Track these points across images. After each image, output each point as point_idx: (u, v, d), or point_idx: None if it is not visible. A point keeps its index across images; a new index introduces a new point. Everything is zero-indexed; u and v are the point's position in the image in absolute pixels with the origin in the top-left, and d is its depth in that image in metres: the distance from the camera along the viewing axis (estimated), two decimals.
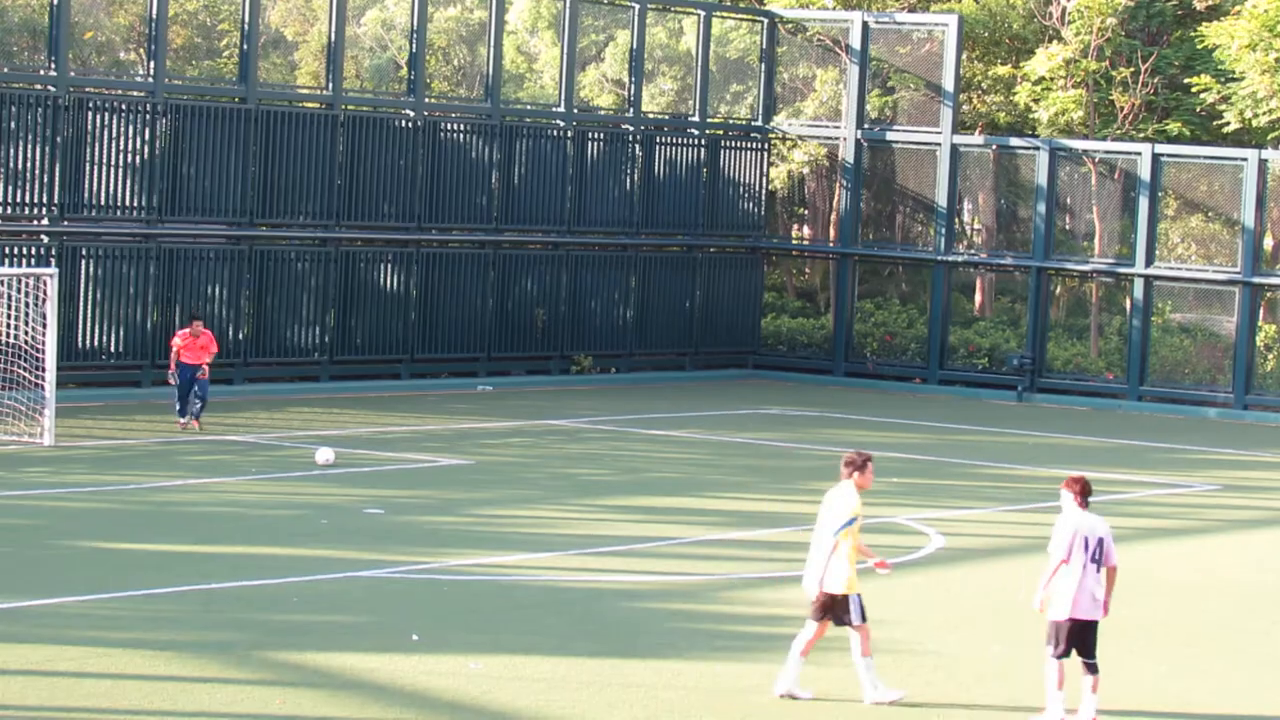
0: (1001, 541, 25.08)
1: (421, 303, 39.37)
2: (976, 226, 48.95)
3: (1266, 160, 41.46)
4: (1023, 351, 43.01)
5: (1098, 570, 15.67)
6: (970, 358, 43.83)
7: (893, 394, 42.93)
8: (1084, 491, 15.94)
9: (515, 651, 17.32)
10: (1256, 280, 41.41)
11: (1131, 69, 44.08)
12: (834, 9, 46.96)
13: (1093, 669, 15.65)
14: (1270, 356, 42.03)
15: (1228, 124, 42.94)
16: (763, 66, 45.76)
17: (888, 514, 26.34)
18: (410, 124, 39.25)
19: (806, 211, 49.88)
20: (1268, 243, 44.17)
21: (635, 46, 43.56)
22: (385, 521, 23.95)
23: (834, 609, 16.15)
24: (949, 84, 43.77)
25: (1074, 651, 15.68)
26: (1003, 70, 46.03)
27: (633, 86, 43.76)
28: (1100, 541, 15.70)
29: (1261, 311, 42.17)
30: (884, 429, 36.60)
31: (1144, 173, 42.06)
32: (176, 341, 31.29)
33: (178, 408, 31.19)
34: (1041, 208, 43.21)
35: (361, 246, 38.66)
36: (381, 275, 38.96)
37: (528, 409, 36.52)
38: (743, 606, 20.07)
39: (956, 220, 46.13)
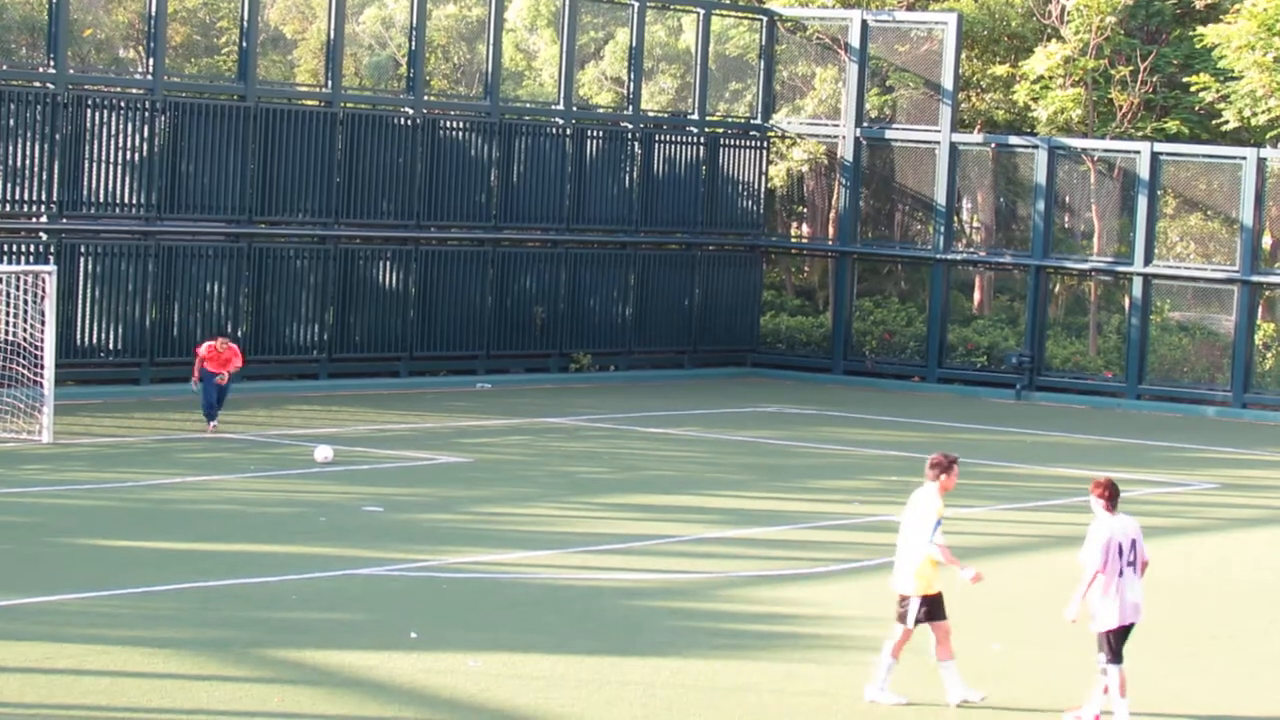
0: (1000, 540, 25.08)
1: (420, 300, 39.36)
2: (975, 225, 48.96)
3: (1265, 159, 41.47)
4: (1021, 350, 43.02)
5: (1135, 572, 15.46)
6: (969, 356, 43.84)
7: (891, 392, 42.93)
8: (1112, 495, 15.60)
9: (514, 649, 17.33)
10: (1255, 279, 41.42)
11: (1130, 67, 44.10)
12: (833, 7, 46.95)
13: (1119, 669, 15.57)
14: (1269, 355, 42.04)
15: (1226, 122, 42.96)
16: (762, 64, 45.76)
17: (886, 512, 26.35)
18: (409, 122, 39.25)
19: (805, 209, 49.89)
20: (1266, 241, 44.18)
21: (634, 44, 43.55)
22: (384, 519, 23.95)
23: (932, 606, 16.07)
24: (948, 82, 43.77)
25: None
26: (1002, 69, 46.04)
27: (632, 84, 43.75)
28: (1133, 543, 15.49)
29: (1260, 310, 42.19)
30: (882, 427, 36.61)
31: (1143, 171, 42.06)
32: (201, 351, 30.62)
33: (206, 412, 30.60)
34: (1040, 206, 43.22)
35: (360, 244, 38.66)
36: (380, 273, 38.96)
37: (526, 407, 36.52)
38: (741, 604, 20.07)
39: (955, 218, 46.14)
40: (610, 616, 19.11)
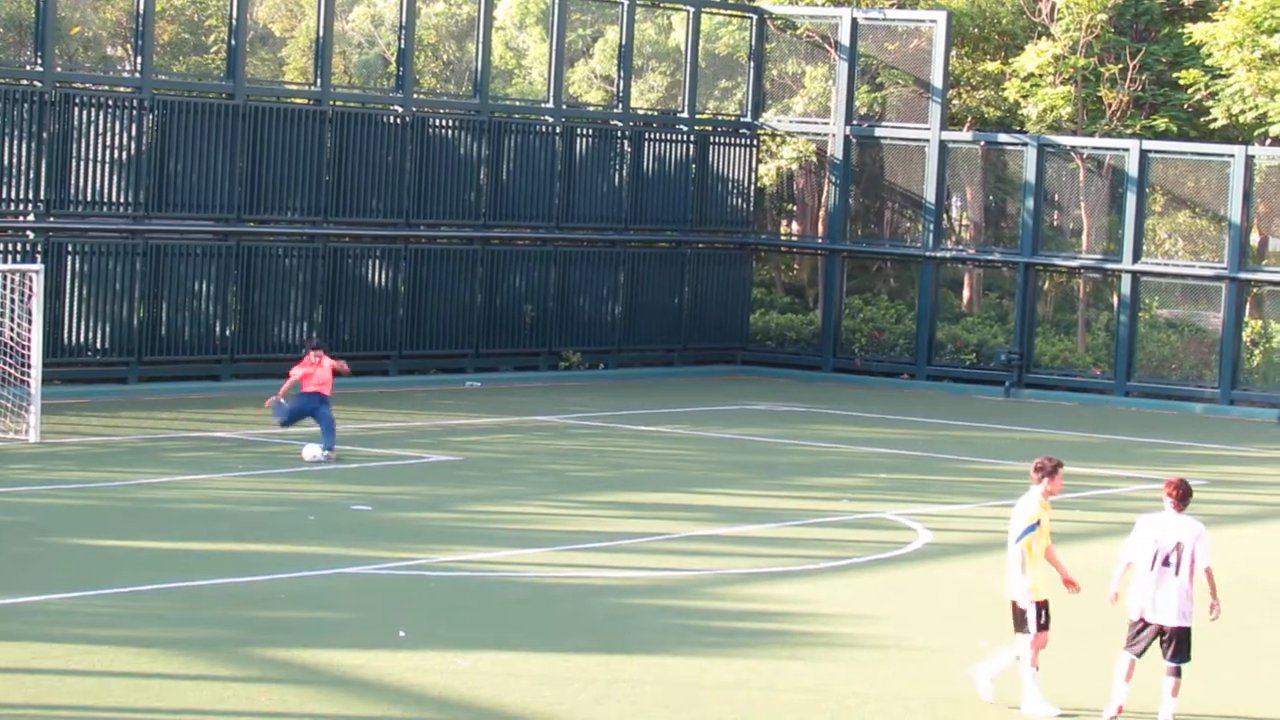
0: (988, 536, 25.04)
1: (410, 299, 39.31)
2: (964, 222, 48.97)
3: (1253, 156, 41.48)
4: (1010, 347, 43.03)
5: (1176, 574, 15.46)
6: (958, 353, 43.84)
7: (881, 389, 42.94)
8: (1181, 495, 15.61)
9: (502, 648, 17.31)
10: (1243, 276, 41.45)
11: (1120, 65, 44.12)
12: (823, 5, 46.94)
13: (1173, 673, 15.63)
14: (1256, 352, 42.08)
15: (1215, 120, 42.98)
16: (752, 63, 45.75)
17: (875, 509, 26.37)
18: (399, 120, 39.20)
19: (795, 207, 49.87)
20: (1254, 238, 44.22)
21: (624, 42, 43.53)
22: (372, 518, 23.93)
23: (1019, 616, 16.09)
24: (937, 80, 43.77)
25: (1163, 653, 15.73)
26: (991, 66, 46.04)
27: (622, 82, 43.72)
28: (1179, 546, 15.46)
29: (1248, 307, 42.22)
30: (872, 424, 36.62)
31: (1132, 169, 42.08)
32: (296, 373, 28.97)
33: (281, 419, 28.82)
34: (1029, 203, 43.23)
35: (350, 242, 38.62)
36: (370, 271, 38.92)
37: (516, 405, 36.50)
38: (731, 602, 20.06)
39: (945, 216, 46.14)
40: (599, 614, 19.10)
